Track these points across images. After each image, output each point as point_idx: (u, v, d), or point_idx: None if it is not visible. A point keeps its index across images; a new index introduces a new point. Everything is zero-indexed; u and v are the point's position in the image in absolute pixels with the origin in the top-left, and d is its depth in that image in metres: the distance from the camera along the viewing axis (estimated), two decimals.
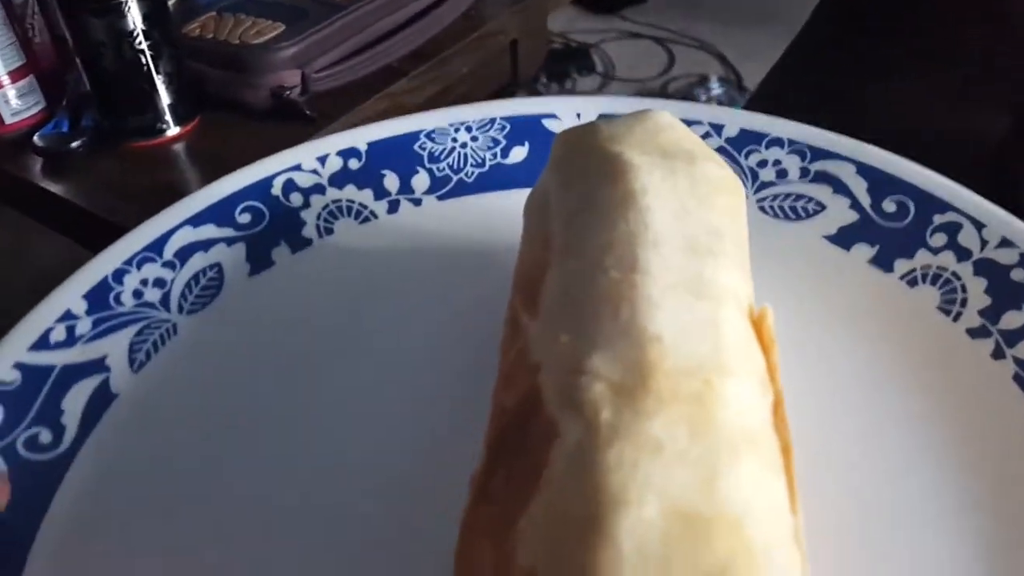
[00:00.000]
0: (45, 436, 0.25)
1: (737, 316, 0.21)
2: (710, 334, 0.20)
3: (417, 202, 0.33)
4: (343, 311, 0.29)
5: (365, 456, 0.25)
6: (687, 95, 1.51)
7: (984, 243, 0.29)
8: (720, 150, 0.33)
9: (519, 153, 0.34)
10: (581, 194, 0.24)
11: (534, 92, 1.33)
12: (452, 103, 0.75)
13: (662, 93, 1.53)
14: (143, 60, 0.58)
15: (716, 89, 1.51)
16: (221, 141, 0.62)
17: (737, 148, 0.33)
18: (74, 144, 0.60)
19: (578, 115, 0.35)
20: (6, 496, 0.23)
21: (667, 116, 0.26)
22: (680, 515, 0.16)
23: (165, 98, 0.60)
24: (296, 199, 0.32)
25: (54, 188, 0.59)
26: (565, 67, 1.58)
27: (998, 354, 0.26)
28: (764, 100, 0.59)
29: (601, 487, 0.17)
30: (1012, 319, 0.27)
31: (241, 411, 0.26)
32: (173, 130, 0.62)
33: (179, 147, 0.62)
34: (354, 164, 0.33)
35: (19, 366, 0.26)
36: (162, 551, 0.23)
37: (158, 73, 0.59)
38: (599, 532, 0.16)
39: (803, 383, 0.24)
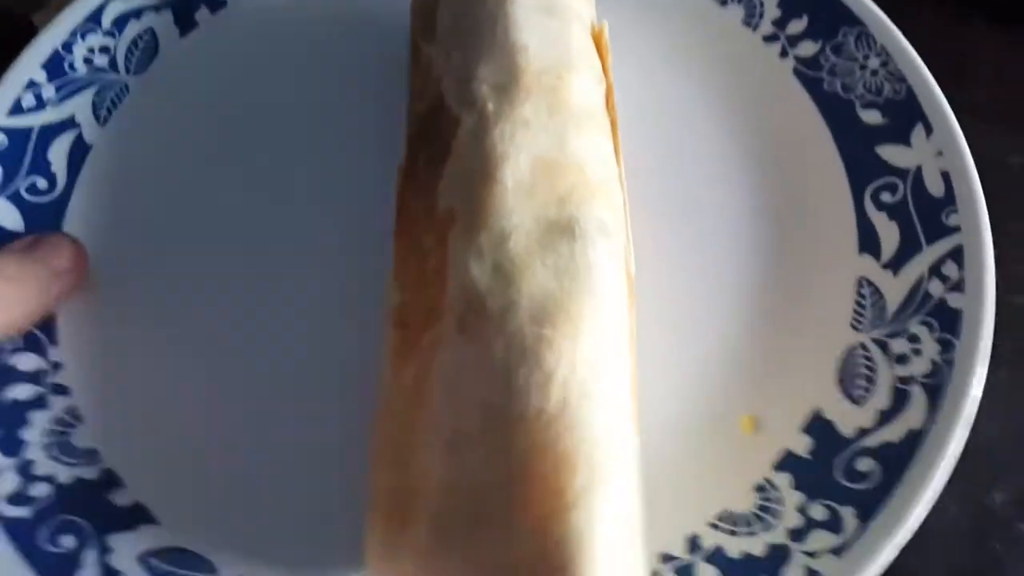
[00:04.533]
0: (41, 183, 0.31)
1: (581, 30, 0.28)
2: (561, 43, 0.27)
3: None
4: (264, 65, 0.34)
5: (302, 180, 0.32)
6: None
7: None
8: None
9: None
10: None
11: None
12: None
13: None
14: None
15: None
16: None
17: None
18: None
19: None
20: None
21: None
22: (542, 162, 0.25)
23: None
24: None
25: None
26: None
27: (783, 54, 0.35)
28: None
29: (490, 151, 0.25)
30: (795, 26, 0.35)
31: (194, 156, 0.32)
32: None
33: None
34: None
35: (3, 130, 0.31)
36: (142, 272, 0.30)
37: None
38: (491, 177, 0.24)
39: (629, 79, 0.32)
